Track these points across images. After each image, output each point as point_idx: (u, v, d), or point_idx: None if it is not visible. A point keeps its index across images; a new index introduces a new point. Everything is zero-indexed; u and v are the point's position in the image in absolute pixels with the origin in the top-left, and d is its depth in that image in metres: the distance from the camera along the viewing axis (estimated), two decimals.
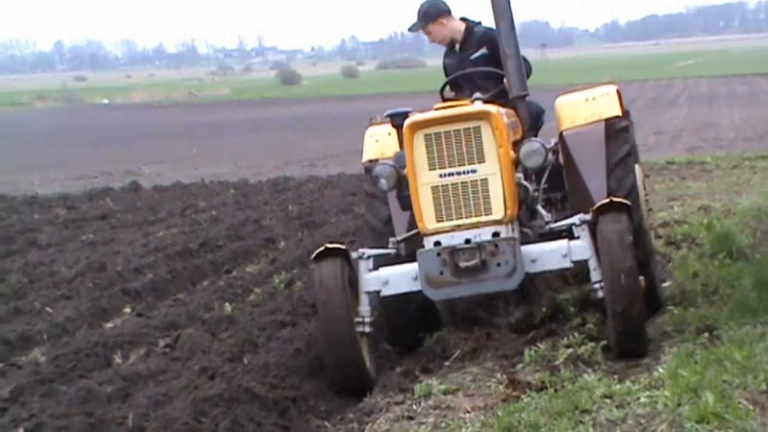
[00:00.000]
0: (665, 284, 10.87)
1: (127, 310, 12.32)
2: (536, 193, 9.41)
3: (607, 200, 8.62)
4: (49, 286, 13.60)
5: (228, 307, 11.84)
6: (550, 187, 9.89)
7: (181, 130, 49.76)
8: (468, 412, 7.67)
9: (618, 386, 7.64)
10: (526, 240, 8.97)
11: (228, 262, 14.87)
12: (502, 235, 8.75)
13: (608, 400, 7.44)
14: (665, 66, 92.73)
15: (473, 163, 8.78)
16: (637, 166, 9.98)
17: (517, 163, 9.08)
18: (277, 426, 7.91)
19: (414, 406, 8.00)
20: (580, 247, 8.72)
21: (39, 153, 40.44)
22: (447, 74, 10.70)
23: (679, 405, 7.10)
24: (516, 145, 9.21)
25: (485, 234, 8.76)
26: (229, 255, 15.25)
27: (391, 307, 9.62)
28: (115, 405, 8.45)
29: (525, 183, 9.16)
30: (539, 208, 9.42)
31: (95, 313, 11.95)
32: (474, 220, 8.81)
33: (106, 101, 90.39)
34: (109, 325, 11.70)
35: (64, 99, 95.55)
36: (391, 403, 8.15)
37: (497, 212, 8.77)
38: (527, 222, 9.35)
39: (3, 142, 47.25)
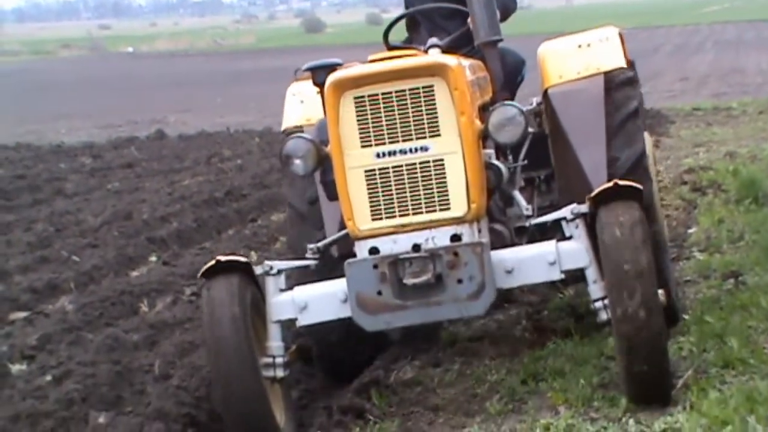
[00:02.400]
0: (690, 230, 10.84)
1: (153, 258, 12.38)
2: (512, 171, 7.14)
3: (610, 184, 6.31)
4: (75, 234, 13.66)
5: (253, 255, 11.87)
6: (531, 164, 7.46)
7: (205, 78, 49.65)
8: (493, 359, 7.67)
9: None
10: (498, 242, 6.69)
11: (253, 210, 14.90)
12: (465, 239, 6.34)
13: None
14: (692, 11, 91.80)
15: (423, 138, 6.31)
16: (646, 135, 7.73)
17: (485, 137, 6.59)
18: (303, 374, 7.97)
19: (439, 354, 8.00)
20: (574, 252, 6.51)
21: (64, 102, 40.46)
22: (406, 6, 8.47)
23: (704, 351, 7.09)
24: (484, 110, 6.87)
25: (441, 238, 6.35)
26: (254, 204, 15.29)
27: (322, 336, 7.40)
28: (142, 353, 8.51)
29: (496, 163, 6.70)
30: (516, 193, 7.07)
31: (121, 261, 12.01)
32: (425, 217, 6.36)
33: (130, 50, 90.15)
34: (135, 273, 11.76)
35: (89, 47, 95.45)
36: (417, 350, 8.13)
37: (458, 207, 6.35)
38: (500, 214, 7.05)
39: (28, 91, 47.27)
